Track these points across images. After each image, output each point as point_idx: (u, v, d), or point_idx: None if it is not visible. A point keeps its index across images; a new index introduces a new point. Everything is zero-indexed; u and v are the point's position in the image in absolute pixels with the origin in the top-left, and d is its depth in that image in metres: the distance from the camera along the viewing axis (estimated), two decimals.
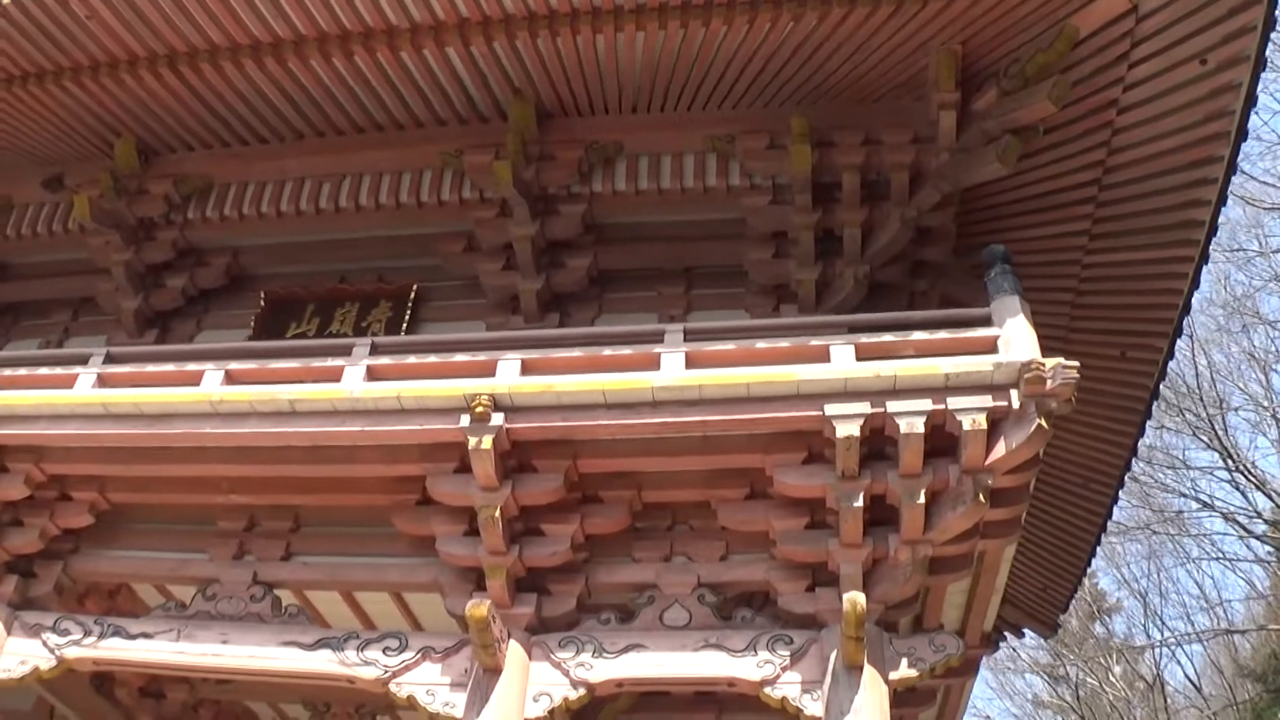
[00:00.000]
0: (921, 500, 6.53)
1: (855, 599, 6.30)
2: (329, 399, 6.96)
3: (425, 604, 8.44)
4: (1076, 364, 6.47)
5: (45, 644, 7.58)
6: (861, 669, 6.45)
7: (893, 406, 6.48)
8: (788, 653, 6.66)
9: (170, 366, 7.58)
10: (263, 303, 9.10)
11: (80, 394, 7.49)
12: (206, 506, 7.81)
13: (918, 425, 6.42)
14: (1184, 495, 16.84)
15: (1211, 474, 16.24)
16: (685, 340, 6.97)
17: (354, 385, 6.99)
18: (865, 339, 6.82)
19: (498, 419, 6.66)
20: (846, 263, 8.17)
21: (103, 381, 7.63)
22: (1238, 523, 15.87)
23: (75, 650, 7.49)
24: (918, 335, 6.88)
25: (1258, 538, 15.69)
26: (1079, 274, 8.79)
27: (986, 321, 7.00)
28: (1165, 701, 17.17)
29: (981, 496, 6.54)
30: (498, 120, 8.54)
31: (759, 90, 8.16)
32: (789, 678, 6.59)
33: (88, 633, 7.54)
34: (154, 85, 8.39)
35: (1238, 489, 16.06)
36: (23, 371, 7.93)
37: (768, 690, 6.60)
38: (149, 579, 8.06)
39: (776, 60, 7.84)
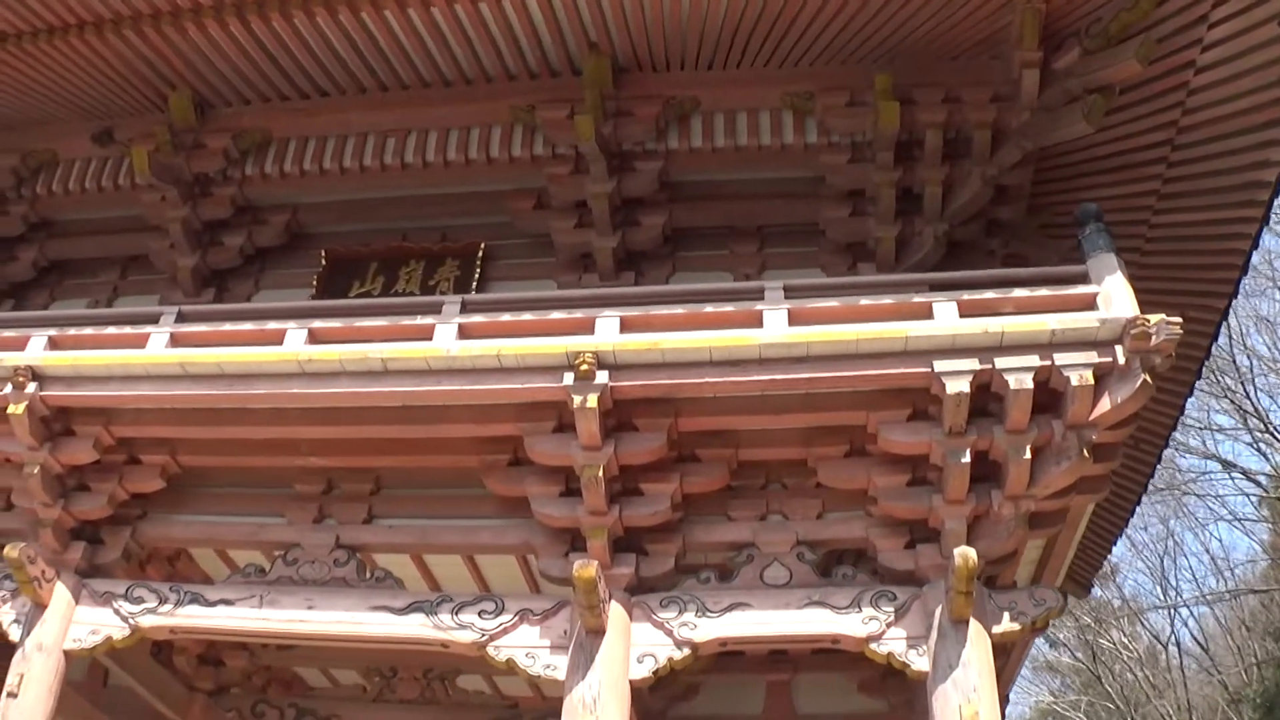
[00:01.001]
0: (1027, 456, 6.51)
1: (967, 554, 6.28)
2: (424, 357, 6.79)
3: (495, 565, 8.34)
4: (1179, 320, 6.46)
5: (118, 612, 7.41)
6: (968, 623, 6.45)
7: (1001, 363, 6.44)
8: (891, 609, 6.66)
9: (249, 325, 7.33)
10: (324, 261, 8.86)
11: (156, 354, 7.27)
12: (282, 469, 7.64)
13: (1026, 381, 6.39)
14: (1208, 456, 17.01)
15: (1235, 437, 16.38)
16: (786, 297, 6.85)
17: (449, 343, 6.83)
18: (968, 296, 6.76)
19: (602, 377, 6.53)
20: (926, 221, 8.11)
21: (176, 341, 7.40)
22: (1258, 482, 16.15)
23: (151, 619, 7.33)
24: (1018, 292, 6.82)
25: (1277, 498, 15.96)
26: (1145, 234, 8.80)
27: (1083, 279, 6.96)
28: (1181, 661, 17.54)
29: (1085, 452, 6.54)
30: (569, 75, 8.34)
31: (839, 47, 8.03)
32: (894, 634, 6.59)
33: (163, 600, 7.38)
34: (216, 35, 8.07)
35: (1259, 451, 16.33)
36: (88, 331, 7.65)
37: (873, 646, 6.60)
38: (224, 544, 7.88)
39: (861, 16, 7.70)
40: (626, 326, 6.80)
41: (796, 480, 7.12)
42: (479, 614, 6.89)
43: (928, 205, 8.06)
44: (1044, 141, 7.95)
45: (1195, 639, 17.65)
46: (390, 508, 7.48)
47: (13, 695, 7.22)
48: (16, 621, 7.54)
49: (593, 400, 6.48)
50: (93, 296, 9.41)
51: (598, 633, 6.61)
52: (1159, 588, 18.29)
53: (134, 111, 9.01)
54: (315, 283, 8.75)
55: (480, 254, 8.61)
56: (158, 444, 7.61)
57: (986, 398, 6.61)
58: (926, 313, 6.72)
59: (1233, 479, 16.46)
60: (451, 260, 8.67)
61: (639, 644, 6.69)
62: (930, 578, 6.68)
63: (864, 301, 6.82)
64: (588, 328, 6.83)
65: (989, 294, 6.82)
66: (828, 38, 7.91)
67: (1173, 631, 17.65)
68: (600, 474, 6.62)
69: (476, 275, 8.51)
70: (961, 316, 6.68)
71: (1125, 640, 17.93)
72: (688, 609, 6.74)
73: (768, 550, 6.95)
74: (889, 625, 6.61)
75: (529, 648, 6.79)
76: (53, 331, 7.71)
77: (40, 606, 7.42)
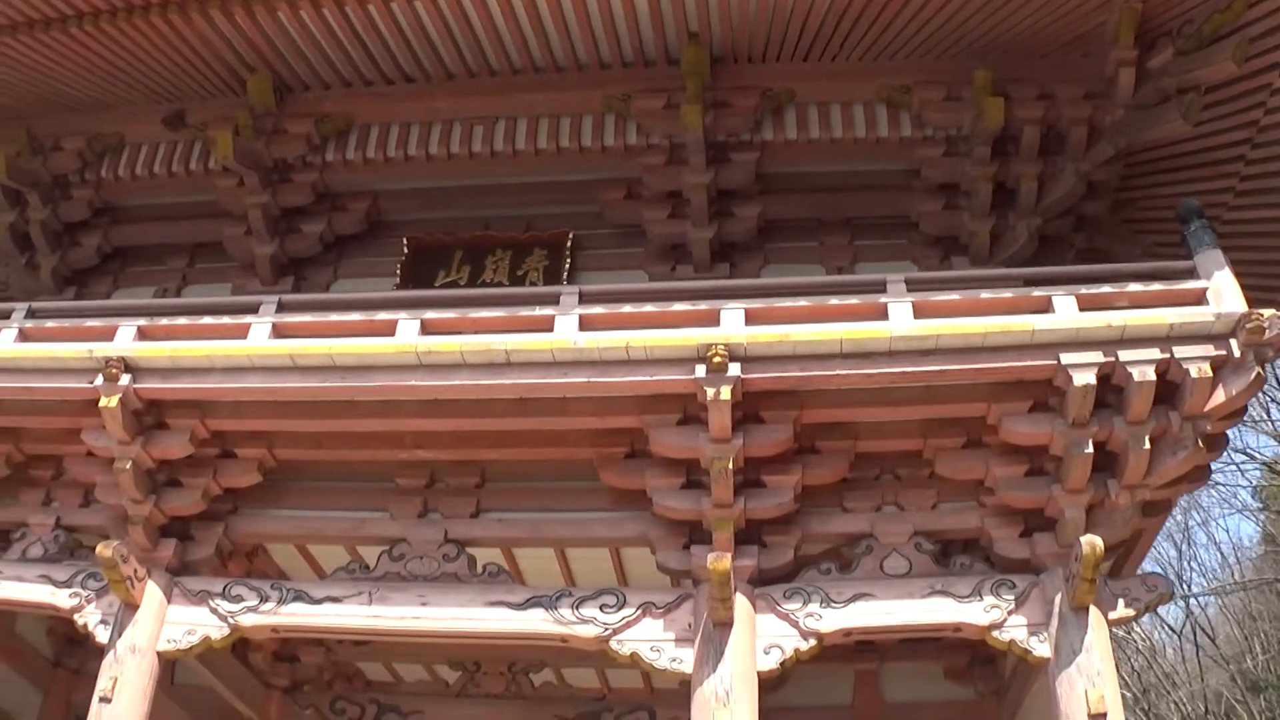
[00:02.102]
0: (1146, 446, 6.65)
1: (1095, 542, 6.40)
2: (548, 349, 6.74)
3: (583, 559, 8.30)
4: None
5: (215, 611, 7.30)
6: (1088, 610, 6.57)
7: (1124, 355, 6.57)
8: (1011, 597, 6.78)
9: (357, 315, 7.20)
10: (405, 250, 8.72)
11: (262, 345, 7.12)
12: (381, 463, 7.56)
13: (1149, 373, 6.52)
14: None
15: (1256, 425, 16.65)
16: (908, 290, 6.90)
17: (573, 335, 6.78)
18: (1085, 290, 6.87)
19: (734, 369, 6.53)
20: (1019, 215, 8.22)
21: (278, 331, 7.24)
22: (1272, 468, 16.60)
23: (252, 618, 7.22)
24: (1133, 287, 6.95)
25: None
26: (1219, 230, 8.99)
27: (1190, 274, 7.11)
28: (1196, 651, 17.96)
29: (1199, 442, 6.70)
30: (663, 64, 8.30)
31: (935, 41, 8.10)
32: (1015, 621, 6.71)
33: (264, 598, 7.26)
34: (307, 16, 7.89)
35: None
36: (182, 321, 7.46)
37: (995, 634, 6.71)
38: (323, 539, 7.76)
39: (962, 13, 7.77)
40: (752, 319, 6.81)
41: (910, 471, 7.21)
42: (600, 608, 6.88)
43: (1022, 200, 8.17)
44: (1138, 139, 8.11)
45: (1204, 630, 18.13)
46: (497, 501, 7.43)
47: (106, 700, 7.04)
48: (104, 622, 7.36)
49: (726, 393, 6.49)
50: (160, 284, 9.19)
51: (726, 625, 6.65)
52: (1176, 578, 18.77)
53: (206, 94, 8.81)
54: (399, 272, 8.63)
55: (569, 243, 8.53)
56: (254, 437, 7.48)
57: (1105, 389, 6.74)
58: (1045, 306, 6.82)
59: (1240, 468, 16.92)
60: (539, 250, 8.60)
61: (764, 635, 6.73)
62: (1048, 565, 6.80)
63: (985, 295, 6.89)
64: (713, 319, 6.83)
65: (1105, 288, 6.94)
66: (926, 32, 7.98)
67: (1187, 620, 18.13)
68: (730, 466, 6.63)
69: (567, 265, 8.44)
70: (1080, 310, 6.80)
71: (1140, 631, 18.40)
72: (812, 600, 6.80)
73: (886, 541, 7.03)
74: (1009, 613, 6.73)
75: (653, 641, 6.80)
76: (142, 321, 7.51)
77: (131, 607, 7.27)
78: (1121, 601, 6.89)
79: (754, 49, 8.17)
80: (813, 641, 6.73)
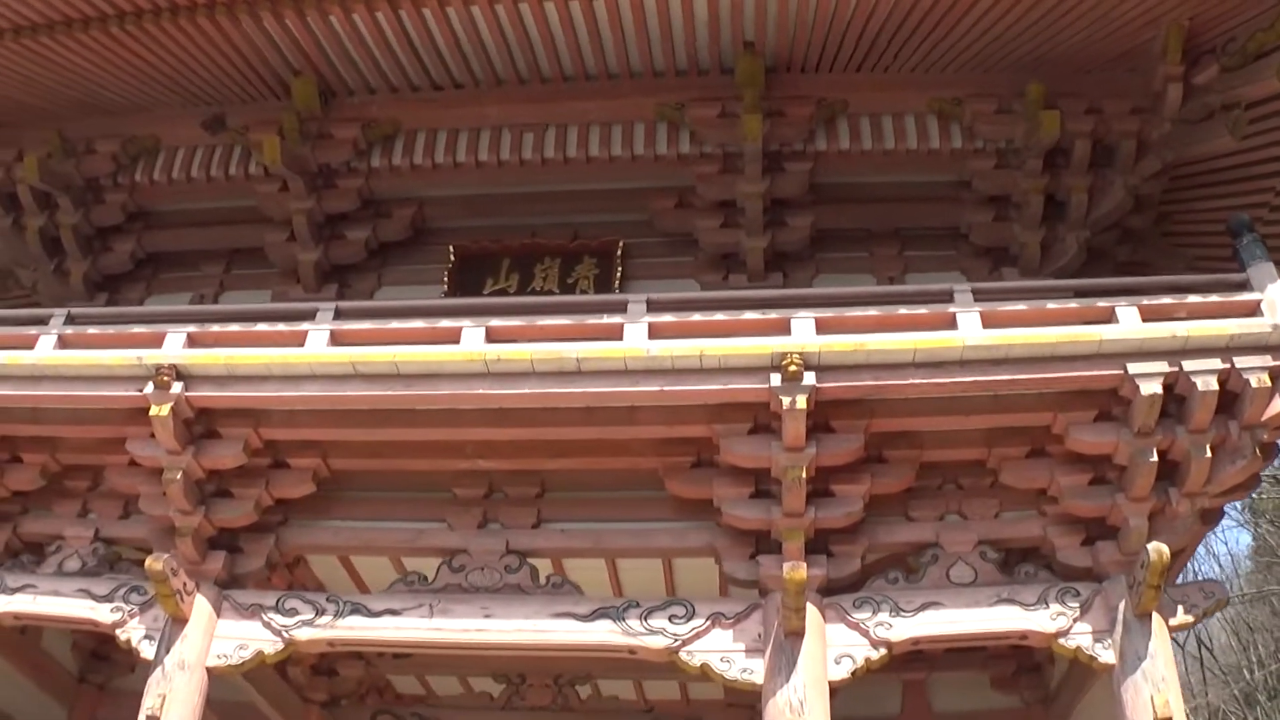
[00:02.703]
0: (1208, 454, 6.78)
1: (1161, 549, 6.51)
2: (620, 357, 6.74)
3: (633, 569, 8.29)
4: None
5: (269, 625, 7.19)
6: (1151, 616, 6.67)
7: (1188, 365, 6.69)
8: (1076, 604, 6.85)
9: (419, 323, 7.14)
10: (452, 257, 8.66)
11: (322, 352, 7.04)
12: (438, 472, 7.48)
13: (1212, 383, 6.65)
14: None
15: None
16: (975, 300, 6.99)
17: (644, 343, 6.79)
18: (1147, 301, 7.01)
19: (809, 378, 6.56)
20: (1069, 227, 8.36)
21: (336, 339, 7.16)
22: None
23: (308, 631, 7.12)
24: (1192, 298, 7.10)
25: None
26: None
27: (1244, 286, 7.26)
28: (1202, 660, 18.22)
29: (1257, 450, 6.84)
30: (716, 74, 8.35)
31: (986, 55, 8.22)
32: (1080, 628, 6.78)
33: (319, 611, 7.17)
34: (361, 19, 7.83)
35: None
36: (234, 327, 7.36)
37: (1061, 641, 6.78)
38: (379, 550, 7.68)
39: (1015, 28, 7.90)
40: (822, 327, 6.85)
41: (972, 480, 7.28)
42: (670, 619, 6.87)
43: (1073, 212, 8.31)
44: (1185, 154, 8.29)
45: (1203, 642, 18.44)
46: (557, 511, 7.39)
47: (154, 718, 6.87)
48: (148, 638, 7.22)
49: (802, 401, 6.52)
50: (195, 290, 9.07)
51: (798, 635, 6.66)
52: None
53: (247, 98, 8.72)
54: (446, 279, 8.58)
55: (619, 252, 8.54)
56: (308, 447, 7.40)
57: (1168, 399, 6.86)
58: (1109, 317, 6.94)
59: None
60: (588, 258, 8.60)
61: (835, 645, 6.76)
62: (1110, 573, 6.89)
63: (1051, 305, 7.00)
64: (783, 328, 6.87)
65: (1166, 299, 7.08)
66: (978, 46, 8.11)
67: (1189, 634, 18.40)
68: (804, 475, 6.65)
69: (618, 274, 8.44)
70: (1143, 321, 6.92)
71: None
72: (881, 609, 6.84)
73: (951, 550, 7.09)
74: (1075, 620, 6.80)
75: (724, 652, 6.79)
76: (191, 327, 7.40)
77: (180, 621, 7.14)
78: (1181, 608, 6.99)
79: (809, 59, 8.25)
80: (883, 651, 6.76)
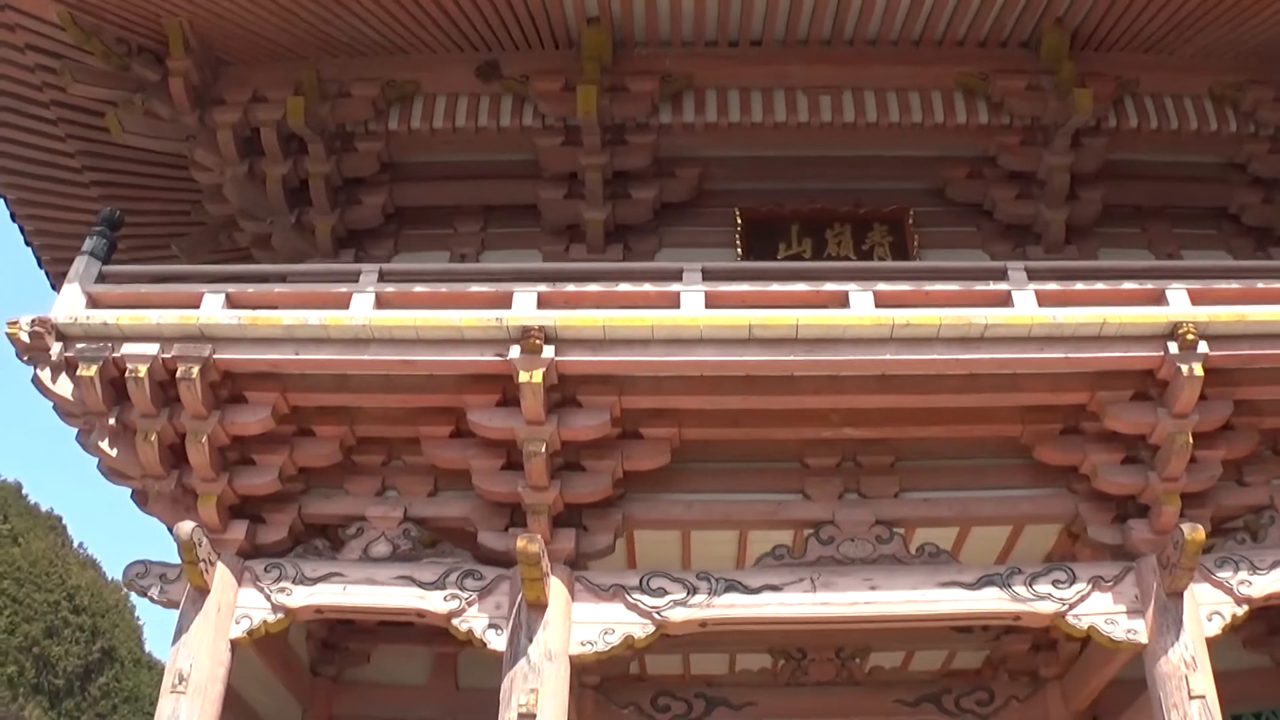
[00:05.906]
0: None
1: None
2: (1027, 324, 6.99)
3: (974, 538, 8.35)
4: None
5: (635, 607, 7.13)
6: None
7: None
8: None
9: (803, 286, 7.18)
10: (740, 220, 8.66)
11: (715, 315, 6.96)
12: (787, 441, 7.55)
13: None
14: None
15: None
16: None
17: (1048, 310, 7.02)
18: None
19: (1201, 347, 6.97)
20: None
21: (711, 301, 7.10)
22: None
23: (681, 611, 7.13)
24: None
25: None
26: None
27: None
28: None
29: None
30: (1015, 45, 8.65)
31: (1274, 42, 8.64)
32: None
33: (691, 590, 7.19)
34: None
35: None
36: (592, 288, 7.21)
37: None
38: (738, 524, 7.73)
39: None
40: (1197, 299, 7.26)
41: None
42: (1053, 584, 7.19)
43: None
44: None
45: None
46: (916, 480, 7.58)
47: (529, 717, 6.62)
48: (493, 627, 7.02)
49: (1198, 368, 6.93)
50: (449, 249, 8.71)
51: (1176, 594, 7.08)
52: None
53: (523, 44, 8.41)
54: (739, 242, 8.57)
55: (910, 220, 8.76)
56: (664, 415, 7.31)
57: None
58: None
59: None
60: (879, 225, 8.77)
61: (1204, 603, 7.20)
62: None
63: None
64: (1160, 299, 7.24)
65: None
66: (1266, 34, 8.59)
67: None
68: (1190, 441, 7.08)
69: (916, 242, 8.66)
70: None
71: None
72: (1240, 568, 7.31)
73: None
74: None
75: (1107, 614, 7.17)
76: (543, 287, 7.17)
77: (538, 608, 6.96)
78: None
79: (1109, 37, 8.65)
80: (1245, 608, 7.28)
